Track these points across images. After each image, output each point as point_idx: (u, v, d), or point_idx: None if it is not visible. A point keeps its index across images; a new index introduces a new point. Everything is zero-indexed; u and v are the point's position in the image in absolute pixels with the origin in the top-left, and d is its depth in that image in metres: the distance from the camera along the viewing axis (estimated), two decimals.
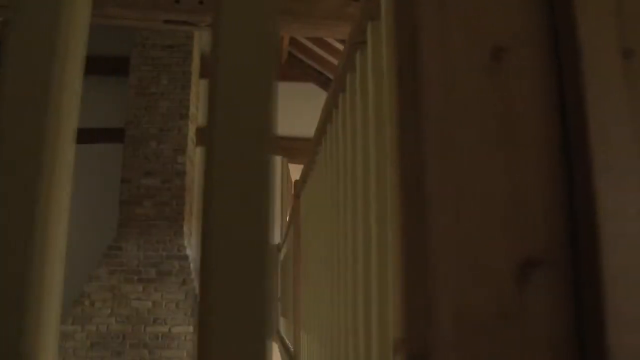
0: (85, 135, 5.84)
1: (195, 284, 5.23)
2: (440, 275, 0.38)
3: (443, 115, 0.41)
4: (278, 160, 6.17)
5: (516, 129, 0.42)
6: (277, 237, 5.85)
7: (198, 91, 5.96)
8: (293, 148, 6.51)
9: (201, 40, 6.02)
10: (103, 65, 5.98)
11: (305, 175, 2.62)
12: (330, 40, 6.06)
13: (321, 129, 1.86)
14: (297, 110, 6.72)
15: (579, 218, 0.40)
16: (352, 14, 3.54)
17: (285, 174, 6.48)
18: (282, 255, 5.09)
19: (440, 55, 0.42)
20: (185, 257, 5.21)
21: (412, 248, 0.39)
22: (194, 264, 5.32)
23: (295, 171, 7.60)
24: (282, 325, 4.70)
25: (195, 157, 5.82)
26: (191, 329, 5.16)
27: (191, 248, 5.45)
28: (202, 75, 5.95)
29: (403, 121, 0.42)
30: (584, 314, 0.39)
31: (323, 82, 6.91)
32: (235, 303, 0.35)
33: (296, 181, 3.13)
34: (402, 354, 0.38)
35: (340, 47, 6.09)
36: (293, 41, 6.25)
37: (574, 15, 0.41)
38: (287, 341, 3.74)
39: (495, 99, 0.42)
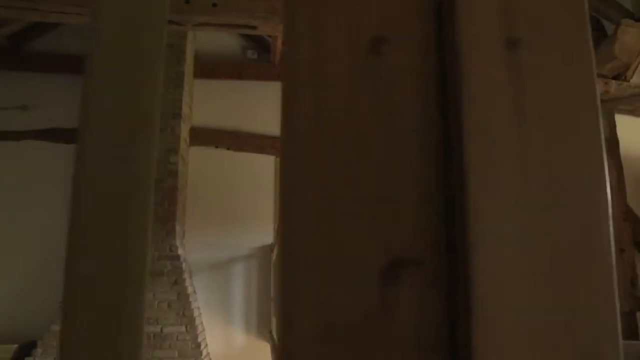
0: (76, 136, 5.83)
1: (188, 283, 5.23)
2: (302, 275, 0.37)
3: (315, 113, 0.39)
4: (272, 160, 6.15)
5: (394, 126, 0.40)
6: (271, 237, 5.84)
7: (191, 91, 5.96)
8: None
9: (195, 40, 6.01)
10: None
11: None
12: None
13: None
14: None
15: (454, 217, 0.39)
16: None
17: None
18: (274, 256, 5.09)
19: (311, 47, 0.40)
20: (177, 257, 5.20)
21: (283, 247, 0.38)
22: (186, 264, 5.31)
23: None
24: (274, 324, 4.69)
25: (188, 157, 5.82)
26: (183, 328, 5.15)
27: (183, 248, 5.45)
28: (196, 75, 5.94)
29: (285, 120, 0.40)
30: (456, 317, 0.37)
31: None
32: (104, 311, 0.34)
33: None
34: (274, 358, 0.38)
35: None
36: None
37: (456, 0, 0.40)
38: (277, 341, 3.73)
39: (372, 95, 0.41)
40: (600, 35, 3.83)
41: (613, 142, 3.73)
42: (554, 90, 0.41)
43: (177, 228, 5.33)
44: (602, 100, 3.78)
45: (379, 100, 0.41)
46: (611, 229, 0.39)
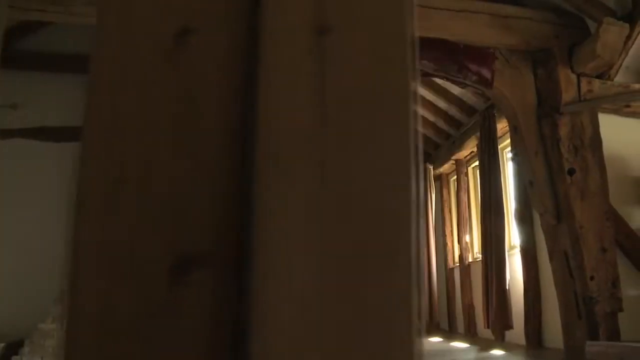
0: (66, 134, 5.83)
1: None
2: (88, 269, 0.36)
3: (114, 105, 0.38)
4: None
5: (193, 121, 0.39)
6: None
7: None
8: None
9: None
10: (84, 64, 5.97)
11: None
12: None
13: None
14: None
15: (246, 215, 0.37)
16: None
17: None
18: None
19: (118, 35, 0.39)
20: None
21: (73, 240, 0.37)
22: None
23: None
24: None
25: None
26: None
27: None
28: None
29: (85, 112, 0.39)
30: (242, 318, 0.36)
31: None
32: None
33: None
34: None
35: None
36: None
37: None
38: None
39: (175, 88, 0.39)
40: (584, 34, 3.81)
41: (596, 142, 3.69)
42: (363, 81, 0.40)
43: None
44: (585, 100, 3.76)
45: (180, 93, 0.39)
46: (412, 231, 0.38)
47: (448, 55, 3.75)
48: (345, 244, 0.37)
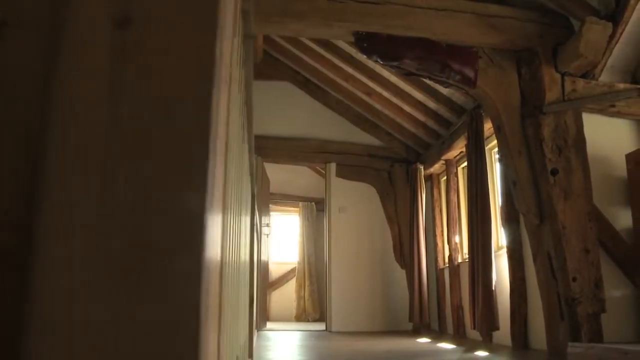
0: None
1: None
2: None
3: None
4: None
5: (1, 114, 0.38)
6: None
7: None
8: (268, 147, 6.48)
9: None
10: None
11: None
12: (306, 41, 6.03)
13: None
14: (274, 108, 6.68)
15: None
16: (300, 11, 3.50)
17: (260, 172, 6.45)
18: None
19: None
20: None
21: None
22: None
23: (272, 169, 7.56)
24: None
25: None
26: None
27: None
28: None
29: None
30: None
31: (300, 81, 6.86)
32: None
33: None
34: None
35: (315, 47, 6.05)
36: (268, 40, 6.21)
37: None
38: None
39: None
40: (569, 34, 3.78)
41: (580, 142, 3.67)
42: (163, 81, 0.38)
43: None
44: (569, 99, 3.73)
45: None
46: (206, 235, 0.37)
47: (431, 55, 3.73)
48: (131, 250, 0.36)
